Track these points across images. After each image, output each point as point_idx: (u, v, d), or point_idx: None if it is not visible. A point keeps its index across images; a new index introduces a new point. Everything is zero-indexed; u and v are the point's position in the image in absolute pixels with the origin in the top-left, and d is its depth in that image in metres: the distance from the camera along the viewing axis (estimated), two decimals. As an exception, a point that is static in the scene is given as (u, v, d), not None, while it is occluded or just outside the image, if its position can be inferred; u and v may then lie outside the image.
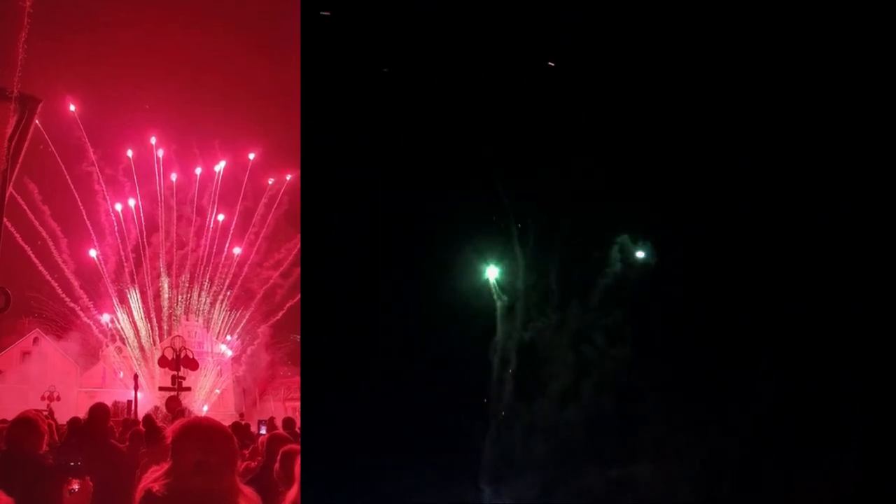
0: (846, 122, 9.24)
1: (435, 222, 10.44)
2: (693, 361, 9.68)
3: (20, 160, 21.42)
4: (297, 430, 17.63)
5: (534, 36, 9.69)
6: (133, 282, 73.95)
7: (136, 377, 60.39)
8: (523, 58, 9.76)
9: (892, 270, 8.99)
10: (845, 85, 9.18)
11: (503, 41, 9.70)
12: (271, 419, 29.59)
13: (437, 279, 10.80)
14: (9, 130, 17.04)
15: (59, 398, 74.82)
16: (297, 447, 8.70)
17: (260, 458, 11.02)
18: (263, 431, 19.72)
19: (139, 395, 67.50)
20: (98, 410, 12.39)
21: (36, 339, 77.56)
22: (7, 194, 19.12)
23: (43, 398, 72.78)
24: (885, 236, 8.96)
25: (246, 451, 12.35)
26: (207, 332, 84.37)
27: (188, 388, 57.95)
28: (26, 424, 8.03)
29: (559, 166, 10.05)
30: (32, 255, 65.57)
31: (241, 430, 18.60)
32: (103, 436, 11.58)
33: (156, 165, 71.74)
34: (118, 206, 70.96)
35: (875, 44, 9.02)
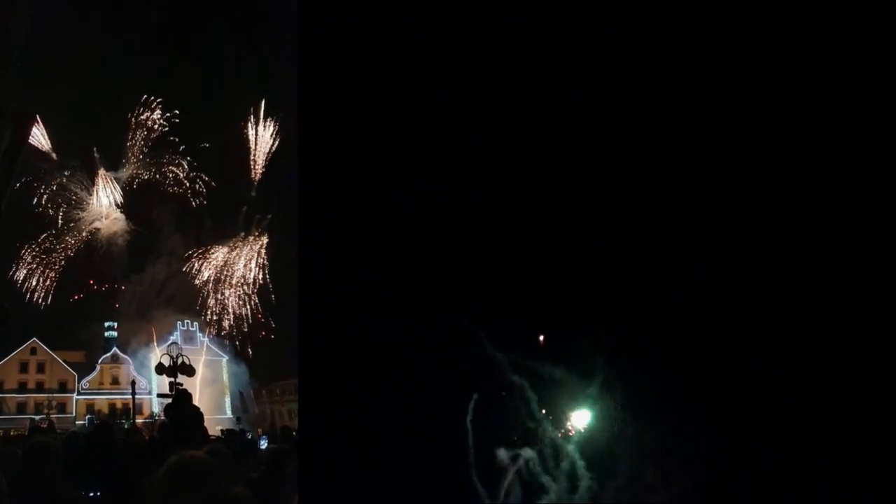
0: (844, 122, 9.31)
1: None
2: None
3: (15, 171, 21.48)
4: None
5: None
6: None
7: (133, 383, 60.44)
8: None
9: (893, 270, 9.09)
10: (841, 85, 9.26)
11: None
12: (272, 426, 29.55)
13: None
14: (4, 146, 17.06)
15: (56, 405, 75.22)
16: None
17: (262, 467, 10.99)
18: (264, 443, 19.69)
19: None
20: (102, 433, 12.32)
21: (34, 349, 77.68)
22: (3, 206, 19.15)
23: (42, 408, 72.92)
24: (886, 236, 9.06)
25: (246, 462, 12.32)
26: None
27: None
28: (43, 453, 7.52)
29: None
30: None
31: (238, 438, 18.62)
32: (111, 458, 11.44)
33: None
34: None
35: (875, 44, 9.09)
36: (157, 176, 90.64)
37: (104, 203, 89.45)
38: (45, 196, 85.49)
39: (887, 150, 9.28)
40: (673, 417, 9.74)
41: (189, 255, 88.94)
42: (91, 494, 9.31)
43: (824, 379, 9.32)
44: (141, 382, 72.40)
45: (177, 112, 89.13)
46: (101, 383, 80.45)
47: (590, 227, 9.84)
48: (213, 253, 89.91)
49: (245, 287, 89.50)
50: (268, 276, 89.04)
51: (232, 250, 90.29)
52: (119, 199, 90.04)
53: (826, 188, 9.41)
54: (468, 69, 10.04)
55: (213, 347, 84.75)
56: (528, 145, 10.35)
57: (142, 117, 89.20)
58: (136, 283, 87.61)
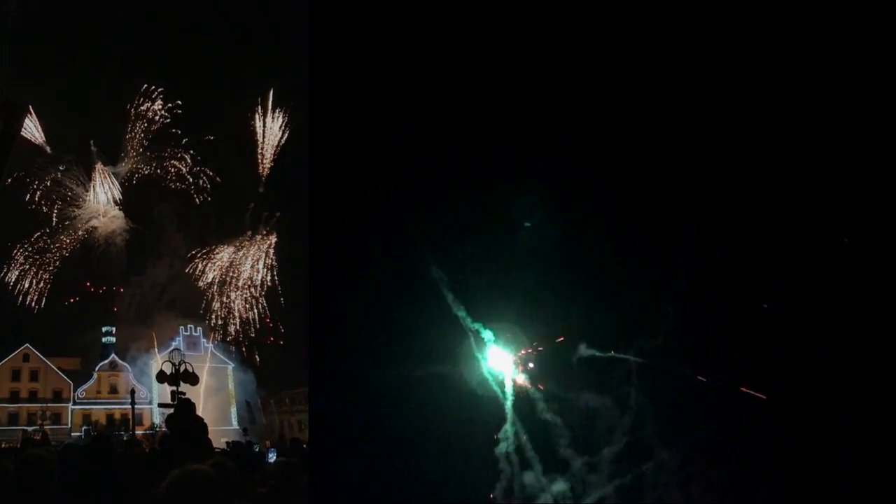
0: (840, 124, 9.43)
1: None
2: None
3: (6, 165, 21.77)
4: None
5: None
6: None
7: (132, 392, 60.79)
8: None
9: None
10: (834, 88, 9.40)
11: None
12: (281, 438, 29.61)
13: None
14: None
15: (50, 416, 75.70)
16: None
17: (270, 481, 11.02)
18: (272, 455, 19.76)
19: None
20: (99, 445, 12.33)
21: (26, 356, 78.18)
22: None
23: (36, 419, 73.38)
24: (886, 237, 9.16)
25: (255, 477, 12.35)
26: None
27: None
28: (37, 467, 7.46)
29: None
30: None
31: (244, 451, 18.65)
32: (109, 472, 11.46)
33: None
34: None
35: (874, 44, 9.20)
36: (158, 171, 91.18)
37: (101, 200, 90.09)
38: (38, 192, 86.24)
39: (887, 150, 9.38)
40: (695, 442, 9.90)
41: (192, 255, 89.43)
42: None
43: (825, 380, 9.46)
44: (141, 391, 72.81)
45: (179, 102, 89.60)
46: (99, 392, 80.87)
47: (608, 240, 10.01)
48: (217, 253, 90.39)
49: (252, 289, 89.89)
50: (276, 278, 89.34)
51: (238, 250, 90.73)
52: (117, 195, 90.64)
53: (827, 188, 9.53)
54: (470, 69, 10.18)
55: (217, 354, 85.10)
56: (528, 145, 10.45)
57: (142, 108, 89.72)
58: (136, 286, 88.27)
